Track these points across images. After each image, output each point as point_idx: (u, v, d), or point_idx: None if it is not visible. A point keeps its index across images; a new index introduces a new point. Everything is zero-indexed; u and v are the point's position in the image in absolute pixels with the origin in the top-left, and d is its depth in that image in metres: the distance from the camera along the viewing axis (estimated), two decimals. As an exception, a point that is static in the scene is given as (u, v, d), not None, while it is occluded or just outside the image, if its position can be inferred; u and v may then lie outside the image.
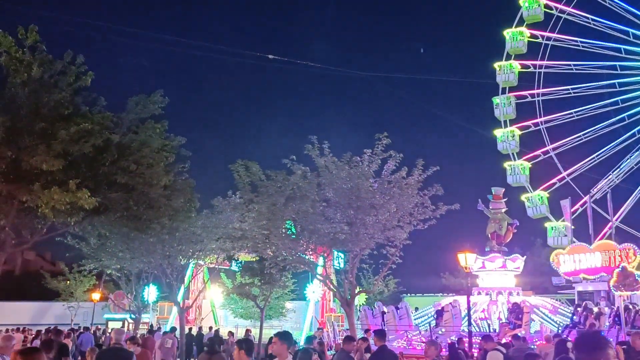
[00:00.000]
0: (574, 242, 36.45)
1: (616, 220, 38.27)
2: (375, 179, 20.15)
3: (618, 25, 41.86)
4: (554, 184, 42.25)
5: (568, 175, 42.19)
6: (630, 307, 24.10)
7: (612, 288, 23.29)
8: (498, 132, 43.49)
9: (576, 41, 43.10)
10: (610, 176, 41.63)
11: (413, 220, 20.32)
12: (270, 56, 53.15)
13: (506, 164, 42.84)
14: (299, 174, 20.29)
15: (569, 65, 43.57)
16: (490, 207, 29.70)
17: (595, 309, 23.77)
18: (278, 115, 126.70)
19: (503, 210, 29.88)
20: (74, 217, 18.07)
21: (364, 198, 19.61)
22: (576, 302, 27.46)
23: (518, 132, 43.22)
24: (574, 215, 38.47)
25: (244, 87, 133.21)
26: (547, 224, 41.52)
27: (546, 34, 43.84)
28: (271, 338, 24.13)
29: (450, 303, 25.79)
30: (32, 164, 15.66)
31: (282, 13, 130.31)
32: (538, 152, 42.89)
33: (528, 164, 42.59)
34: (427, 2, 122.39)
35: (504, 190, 30.82)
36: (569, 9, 43.33)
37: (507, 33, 44.43)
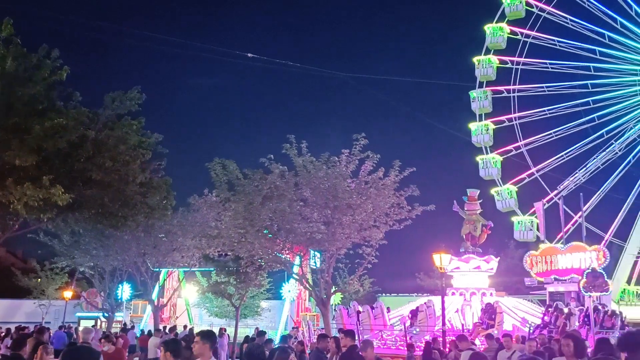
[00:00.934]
0: (539, 237, 37.17)
1: (578, 219, 39.04)
2: (353, 179, 20.27)
3: (595, 27, 42.82)
4: (524, 178, 43.14)
5: (537, 171, 43.13)
6: (600, 308, 24.61)
7: (582, 289, 23.75)
8: (473, 126, 44.16)
9: (554, 40, 43.91)
10: (577, 174, 42.62)
11: (389, 221, 20.50)
12: (249, 54, 53.22)
13: (478, 158, 43.59)
14: (276, 173, 20.29)
15: (545, 63, 44.40)
16: (465, 209, 30.04)
17: (566, 310, 24.23)
18: (256, 114, 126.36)
19: (478, 211, 30.26)
20: (47, 214, 17.83)
21: (341, 198, 19.71)
22: (547, 303, 27.93)
23: (492, 126, 43.92)
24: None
25: (222, 85, 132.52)
26: (514, 218, 42.32)
27: (525, 31, 44.58)
28: (246, 337, 24.01)
29: (425, 303, 26.02)
30: (4, 159, 15.42)
31: (261, 11, 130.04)
32: (510, 147, 43.70)
33: (500, 158, 43.39)
34: (405, 2, 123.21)
35: (478, 192, 31.21)
36: (549, 8, 44.10)
37: (488, 28, 45.06)
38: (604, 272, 23.90)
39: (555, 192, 42.32)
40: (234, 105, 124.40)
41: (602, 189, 42.30)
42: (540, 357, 9.01)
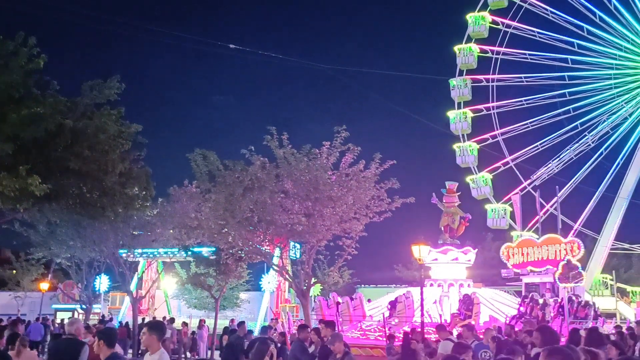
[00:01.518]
0: (514, 226, 37.75)
1: (550, 209, 39.76)
2: (334, 172, 20.35)
3: (574, 20, 43.46)
4: (499, 167, 43.73)
5: (512, 160, 43.78)
6: (574, 298, 25.15)
7: (557, 280, 24.23)
8: (451, 113, 44.57)
9: (534, 31, 44.44)
10: (551, 165, 43.38)
11: (369, 213, 20.64)
12: (231, 45, 52.85)
13: (455, 145, 44.07)
14: (257, 164, 20.27)
15: (525, 54, 44.95)
16: (444, 201, 30.36)
17: (541, 300, 24.70)
18: (237, 105, 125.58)
19: (456, 204, 30.61)
20: (24, 204, 17.51)
21: (322, 190, 19.78)
22: (523, 294, 28.44)
23: (470, 114, 44.36)
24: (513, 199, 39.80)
25: (204, 75, 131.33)
26: (487, 206, 42.93)
27: (507, 21, 45.06)
28: (225, 328, 24.03)
29: (404, 294, 26.28)
30: (-21, 147, 15.11)
31: (244, 2, 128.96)
32: (487, 136, 44.25)
33: (476, 146, 43.93)
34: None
35: (457, 184, 31.57)
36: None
37: (470, 17, 45.38)
38: (578, 264, 24.40)
39: (529, 181, 43.18)
40: (215, 95, 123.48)
41: (573, 179, 43.15)
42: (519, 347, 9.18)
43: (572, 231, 37.13)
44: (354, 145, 20.24)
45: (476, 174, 43.19)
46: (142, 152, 20.86)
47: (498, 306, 27.20)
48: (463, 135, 44.14)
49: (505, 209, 41.96)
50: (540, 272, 29.59)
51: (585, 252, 32.23)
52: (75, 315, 34.77)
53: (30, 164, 15.90)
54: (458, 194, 31.02)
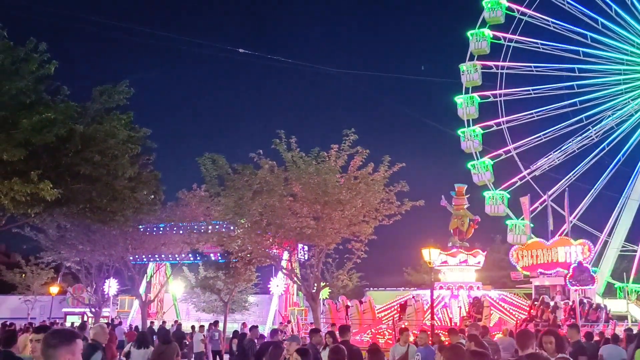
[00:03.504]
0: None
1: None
2: (342, 175, 20.30)
3: (576, 29, 43.26)
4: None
5: (515, 149, 43.63)
6: (585, 301, 24.98)
7: (568, 283, 24.07)
8: (459, 99, 44.49)
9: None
10: (552, 155, 43.21)
11: (378, 216, 20.57)
12: (241, 50, 52.64)
13: (460, 131, 43.97)
14: (266, 168, 20.26)
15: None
16: (453, 204, 30.27)
17: (552, 303, 24.55)
18: (246, 109, 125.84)
19: (465, 206, 30.51)
20: (35, 209, 17.63)
21: (331, 193, 19.72)
22: (533, 297, 28.27)
23: (481, 131, 44.20)
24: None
25: (213, 79, 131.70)
26: (486, 193, 42.82)
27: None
28: (235, 332, 23.95)
29: (413, 297, 26.22)
30: (-9, 153, 15.21)
31: (254, 7, 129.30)
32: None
33: (481, 131, 43.79)
34: (397, 2, 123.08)
35: (466, 187, 31.46)
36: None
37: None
38: (589, 266, 24.22)
39: (528, 170, 43.04)
40: (223, 99, 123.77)
41: (571, 174, 42.82)
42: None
43: (566, 225, 36.48)
44: (362, 148, 20.19)
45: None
46: (151, 156, 21.00)
47: (508, 309, 27.07)
48: (469, 120, 44.06)
49: (503, 196, 41.99)
50: (551, 274, 29.41)
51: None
52: (85, 319, 34.91)
53: (42, 169, 16.00)
54: (467, 196, 30.91)
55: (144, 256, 29.79)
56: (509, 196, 42.90)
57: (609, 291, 39.74)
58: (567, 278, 24.26)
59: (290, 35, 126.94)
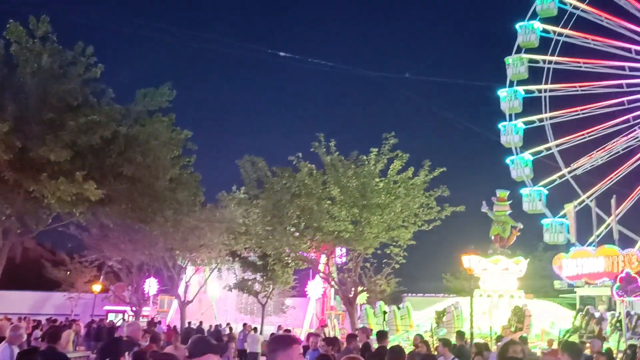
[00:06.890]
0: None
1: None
2: (381, 179, 20.15)
3: (630, 25, 41.64)
4: (541, 151, 42.41)
5: (556, 146, 42.37)
6: (632, 313, 24.02)
7: (614, 293, 23.20)
8: (502, 92, 43.45)
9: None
10: (594, 155, 41.66)
11: (418, 221, 20.32)
12: (281, 53, 52.98)
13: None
14: (305, 171, 20.27)
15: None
16: (494, 210, 29.62)
17: (597, 314, 23.72)
18: (286, 112, 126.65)
19: (507, 212, 29.81)
20: (79, 208, 18.03)
21: (370, 197, 19.61)
22: (578, 307, 27.38)
23: (522, 126, 43.20)
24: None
25: (253, 82, 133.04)
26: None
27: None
28: (272, 334, 24.18)
29: (452, 304, 25.72)
30: (39, 153, 15.64)
31: (293, 10, 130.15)
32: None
33: (523, 126, 42.75)
34: (437, 2, 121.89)
35: (508, 192, 30.74)
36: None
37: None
38: (638, 277, 23.30)
39: (569, 169, 41.64)
40: (264, 102, 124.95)
41: (611, 176, 41.16)
42: None
43: (612, 232, 35.07)
44: (402, 152, 19.99)
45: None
46: (191, 158, 21.20)
47: (551, 319, 26.28)
48: (510, 115, 43.12)
49: (541, 193, 40.76)
50: (596, 284, 28.44)
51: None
52: (126, 317, 35.62)
53: (86, 170, 16.37)
54: (509, 202, 30.20)
55: (181, 257, 30.13)
56: (547, 192, 41.70)
57: None
58: (613, 288, 23.36)
59: (331, 39, 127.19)
